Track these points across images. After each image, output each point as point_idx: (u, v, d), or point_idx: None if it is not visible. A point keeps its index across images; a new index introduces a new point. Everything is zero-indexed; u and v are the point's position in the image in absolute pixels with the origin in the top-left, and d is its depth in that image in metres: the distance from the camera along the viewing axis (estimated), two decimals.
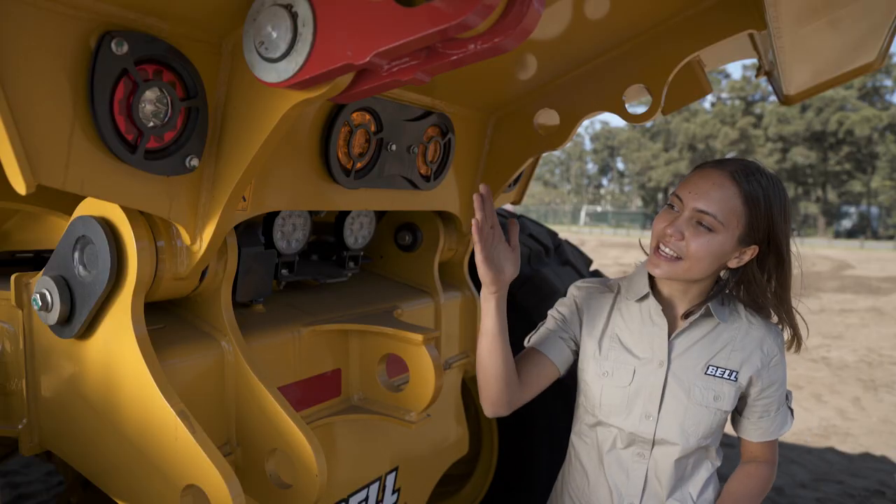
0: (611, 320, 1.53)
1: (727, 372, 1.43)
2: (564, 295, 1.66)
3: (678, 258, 1.37)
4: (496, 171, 1.99)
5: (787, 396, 1.53)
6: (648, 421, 1.45)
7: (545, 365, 1.54)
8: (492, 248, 1.34)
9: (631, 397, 1.46)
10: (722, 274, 1.47)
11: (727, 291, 1.48)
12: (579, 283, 1.64)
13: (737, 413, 1.53)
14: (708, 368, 1.44)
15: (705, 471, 1.51)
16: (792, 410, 1.54)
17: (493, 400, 1.46)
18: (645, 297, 1.49)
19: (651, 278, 1.50)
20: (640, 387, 1.45)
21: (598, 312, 1.55)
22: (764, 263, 1.41)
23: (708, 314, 1.46)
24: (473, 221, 1.30)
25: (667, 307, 1.48)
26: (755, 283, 1.42)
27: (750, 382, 1.45)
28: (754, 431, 1.51)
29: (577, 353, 1.59)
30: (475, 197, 1.32)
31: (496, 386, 1.44)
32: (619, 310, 1.54)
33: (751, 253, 1.39)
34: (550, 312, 1.63)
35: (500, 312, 1.40)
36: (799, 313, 1.47)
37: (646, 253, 1.49)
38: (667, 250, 1.38)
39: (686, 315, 1.46)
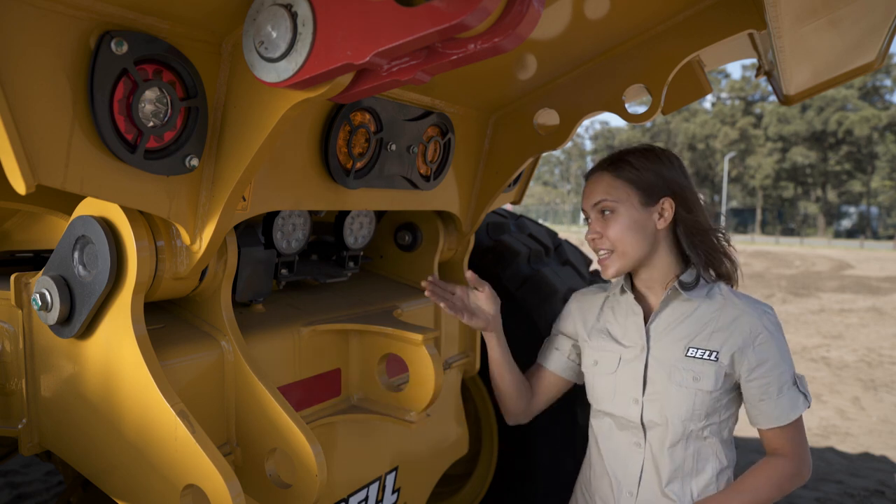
0: (602, 315, 1.65)
1: (707, 352, 1.46)
2: (564, 295, 1.71)
3: (611, 251, 1.51)
4: (496, 170, 1.99)
5: (797, 380, 1.48)
6: (635, 405, 1.52)
7: (544, 374, 1.75)
8: (466, 306, 1.61)
9: (617, 383, 1.55)
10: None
11: (695, 263, 1.53)
12: (578, 291, 1.78)
13: (744, 402, 1.52)
14: (688, 350, 1.48)
15: (711, 469, 1.49)
16: (805, 395, 1.48)
17: (512, 411, 1.72)
18: (623, 290, 1.63)
19: (629, 274, 1.62)
20: (625, 372, 1.54)
21: (590, 310, 1.69)
22: (685, 205, 1.54)
23: (678, 295, 1.52)
24: (443, 306, 1.60)
25: (642, 297, 1.59)
26: (689, 223, 1.52)
27: (733, 361, 1.45)
28: (759, 417, 1.48)
29: (578, 358, 1.71)
30: (427, 293, 1.62)
31: (511, 399, 1.69)
32: (610, 306, 1.67)
33: (669, 204, 1.51)
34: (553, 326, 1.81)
35: (500, 342, 1.66)
36: (733, 248, 1.58)
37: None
38: (601, 253, 1.54)
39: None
